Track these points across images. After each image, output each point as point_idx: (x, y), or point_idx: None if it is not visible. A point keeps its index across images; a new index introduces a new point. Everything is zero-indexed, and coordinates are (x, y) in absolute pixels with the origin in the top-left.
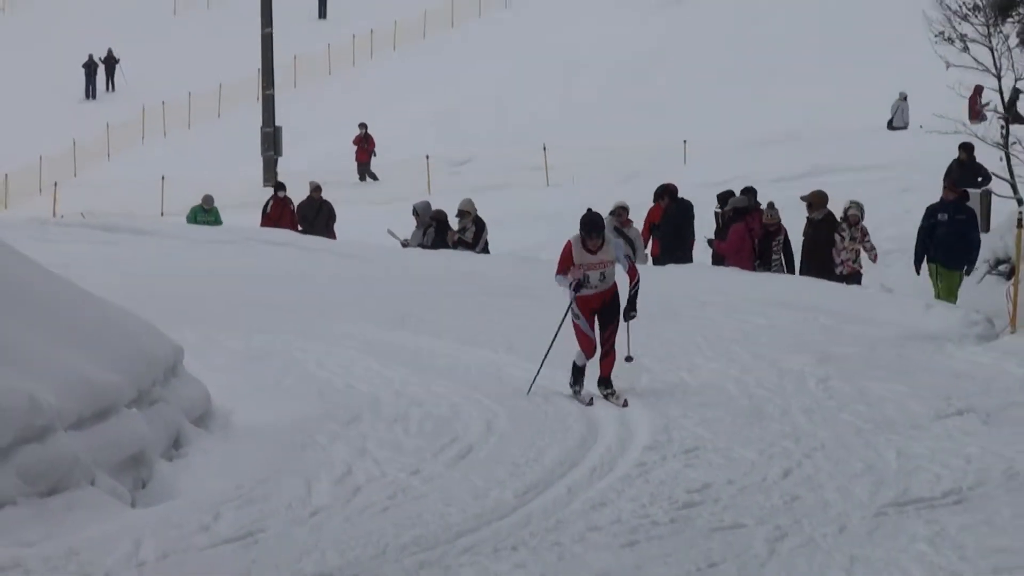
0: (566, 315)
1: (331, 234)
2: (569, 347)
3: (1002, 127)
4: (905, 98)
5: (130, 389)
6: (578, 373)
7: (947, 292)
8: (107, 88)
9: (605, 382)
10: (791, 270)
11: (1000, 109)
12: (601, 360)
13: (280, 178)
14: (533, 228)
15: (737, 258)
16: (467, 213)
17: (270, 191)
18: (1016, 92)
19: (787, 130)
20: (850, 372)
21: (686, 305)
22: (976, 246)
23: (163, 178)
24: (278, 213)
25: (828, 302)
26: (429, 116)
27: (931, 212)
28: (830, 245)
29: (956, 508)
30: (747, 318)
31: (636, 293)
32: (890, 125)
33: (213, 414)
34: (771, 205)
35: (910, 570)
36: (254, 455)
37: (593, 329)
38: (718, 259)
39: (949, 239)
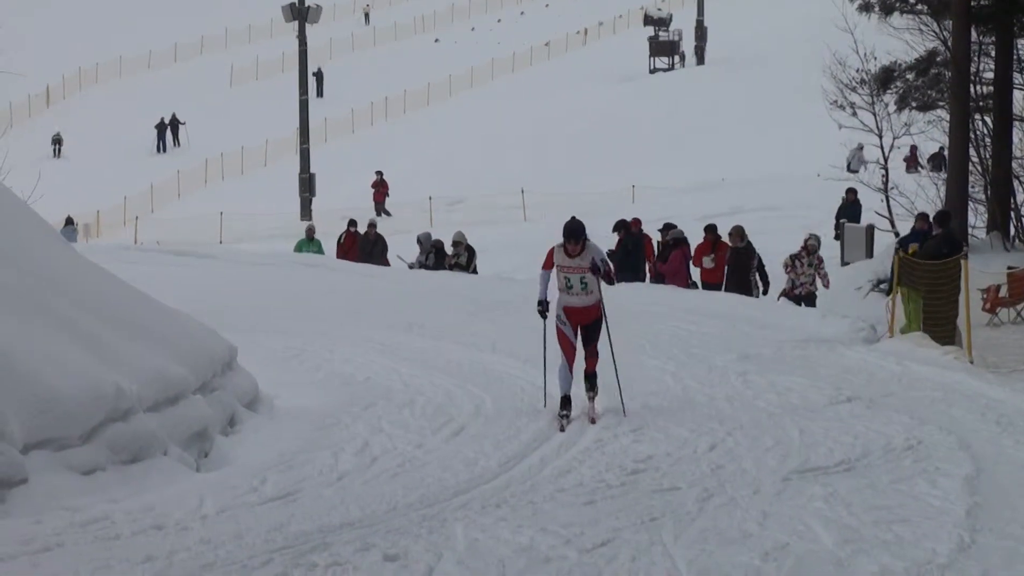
0: (546, 327)
1: (384, 262)
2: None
3: (883, 175)
4: (861, 147)
5: (195, 380)
6: (565, 402)
7: (916, 311)
8: (174, 144)
9: (590, 380)
10: (766, 287)
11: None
12: (586, 360)
13: (313, 215)
14: (513, 254)
15: (675, 278)
16: (460, 243)
17: (305, 224)
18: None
19: (711, 179)
20: (763, 368)
21: (635, 315)
22: None
23: (221, 214)
24: (349, 244)
25: (746, 312)
26: (430, 166)
27: (903, 241)
28: (748, 269)
29: (846, 474)
30: (682, 325)
31: (607, 277)
32: (848, 168)
33: (260, 400)
34: (740, 230)
35: (810, 523)
36: (292, 432)
37: (576, 338)
38: (659, 278)
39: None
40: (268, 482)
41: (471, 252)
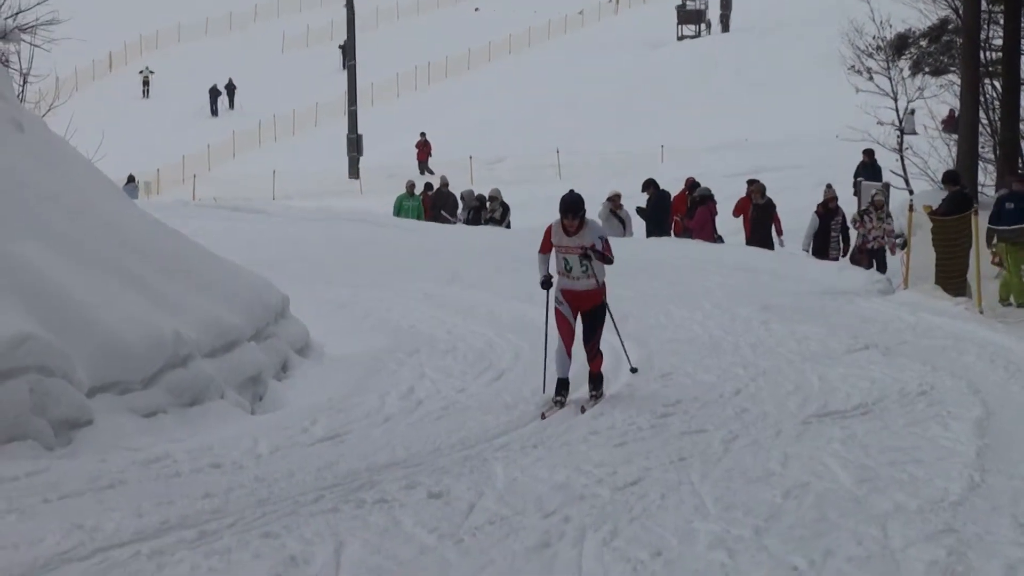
0: (548, 310)
1: (453, 215)
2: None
3: (898, 136)
4: (913, 112)
5: (250, 328)
6: (560, 386)
7: (1015, 263)
8: (229, 107)
9: (594, 381)
10: (846, 248)
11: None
12: (589, 362)
13: (361, 173)
14: (548, 211)
15: (701, 233)
16: (495, 199)
17: (355, 182)
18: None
19: (735, 139)
20: (785, 317)
21: (663, 267)
22: None
23: (274, 172)
24: (429, 203)
25: (768, 266)
26: (471, 128)
27: (1000, 201)
28: (770, 223)
29: (863, 418)
30: (708, 277)
31: (602, 257)
32: (903, 132)
33: (311, 346)
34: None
35: (829, 463)
36: (341, 377)
37: (576, 322)
38: (686, 233)
39: (1016, 220)
40: (318, 424)
41: (505, 208)
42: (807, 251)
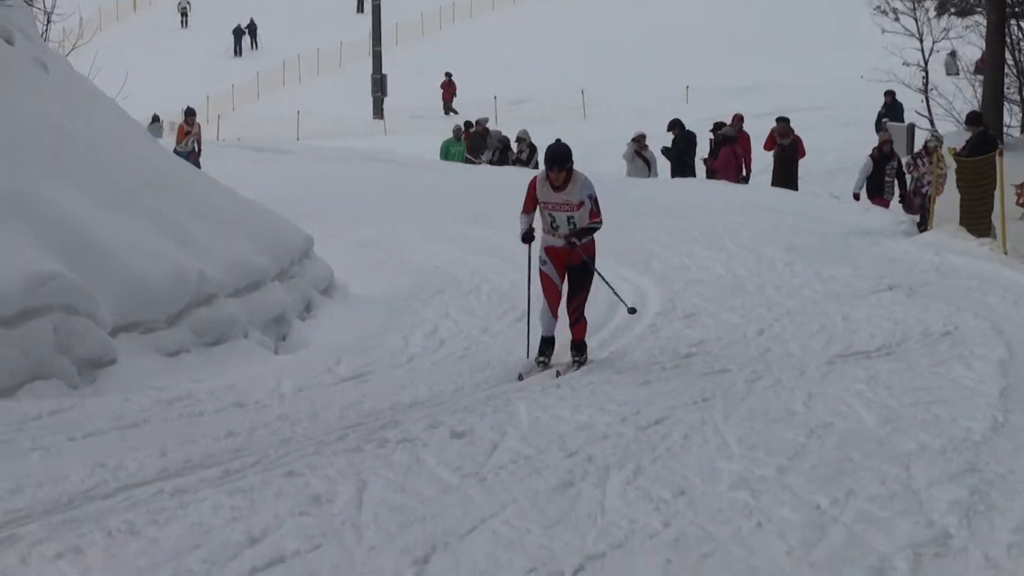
0: (531, 268)
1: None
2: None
3: (923, 77)
4: (954, 53)
5: (274, 267)
6: (544, 344)
7: None
8: (252, 47)
9: (578, 347)
10: (902, 193)
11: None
12: (571, 327)
13: (386, 113)
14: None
15: (725, 173)
16: (523, 140)
17: (379, 123)
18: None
19: (759, 81)
20: (809, 258)
21: (687, 208)
22: None
23: (298, 113)
24: (468, 143)
25: (793, 206)
26: (496, 67)
27: None
28: (794, 163)
29: (886, 358)
30: (732, 218)
31: (590, 230)
32: (946, 73)
33: (335, 286)
34: (885, 128)
35: (852, 403)
36: (365, 317)
37: (562, 280)
38: (711, 174)
39: None
40: (342, 363)
41: (532, 149)
42: (858, 194)
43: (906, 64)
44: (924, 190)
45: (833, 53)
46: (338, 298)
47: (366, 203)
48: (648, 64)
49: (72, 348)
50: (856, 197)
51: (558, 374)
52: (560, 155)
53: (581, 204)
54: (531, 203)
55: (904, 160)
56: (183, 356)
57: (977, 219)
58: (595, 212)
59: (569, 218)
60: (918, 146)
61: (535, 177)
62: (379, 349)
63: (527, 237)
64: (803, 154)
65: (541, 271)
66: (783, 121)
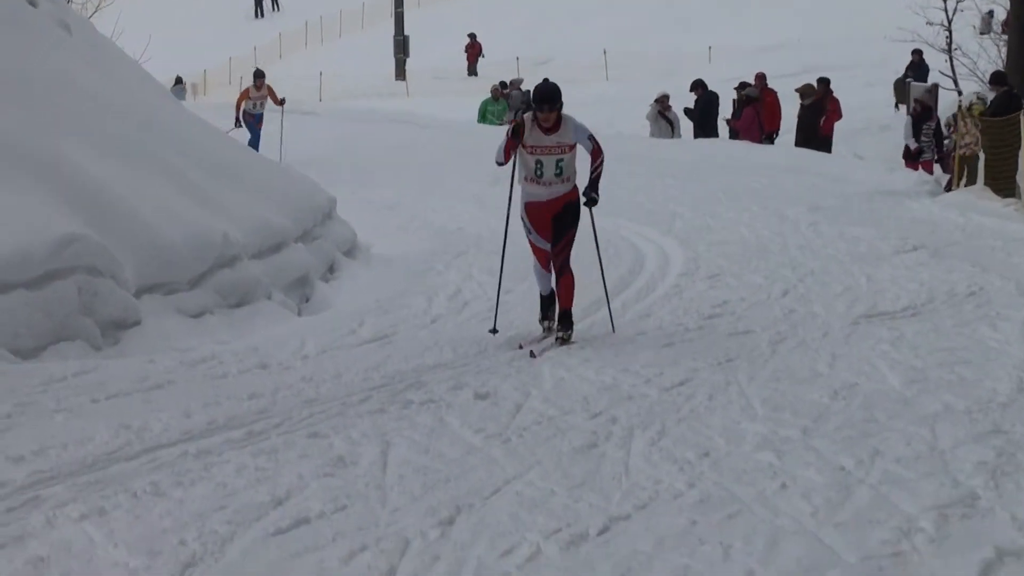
0: (508, 219)
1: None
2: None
3: (947, 37)
4: (991, 13)
5: (297, 229)
6: (544, 306)
7: None
8: (273, 8)
9: (564, 319)
10: (940, 152)
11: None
12: (556, 284)
13: (408, 74)
14: (595, 111)
15: (748, 134)
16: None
17: (402, 84)
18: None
19: (783, 40)
20: (833, 218)
21: (710, 169)
22: None
23: (321, 74)
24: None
25: (816, 167)
26: (519, 28)
27: None
28: (817, 124)
29: (911, 319)
30: (755, 178)
31: (598, 175)
32: (980, 33)
33: (358, 248)
34: (932, 88)
35: (877, 364)
36: (388, 278)
37: (549, 241)
38: (733, 134)
39: None
40: (365, 325)
41: None
42: (909, 145)
43: (930, 24)
44: (962, 151)
45: (858, 11)
46: (361, 259)
47: (389, 164)
48: (671, 22)
49: (96, 310)
50: (908, 149)
51: (532, 355)
52: (549, 94)
53: (574, 146)
54: (509, 153)
55: (944, 119)
56: (206, 318)
57: (1002, 179)
58: (597, 149)
59: (558, 161)
60: (942, 107)
61: (521, 117)
62: (402, 310)
63: (517, 121)
64: (839, 116)
65: (529, 241)
66: (823, 82)
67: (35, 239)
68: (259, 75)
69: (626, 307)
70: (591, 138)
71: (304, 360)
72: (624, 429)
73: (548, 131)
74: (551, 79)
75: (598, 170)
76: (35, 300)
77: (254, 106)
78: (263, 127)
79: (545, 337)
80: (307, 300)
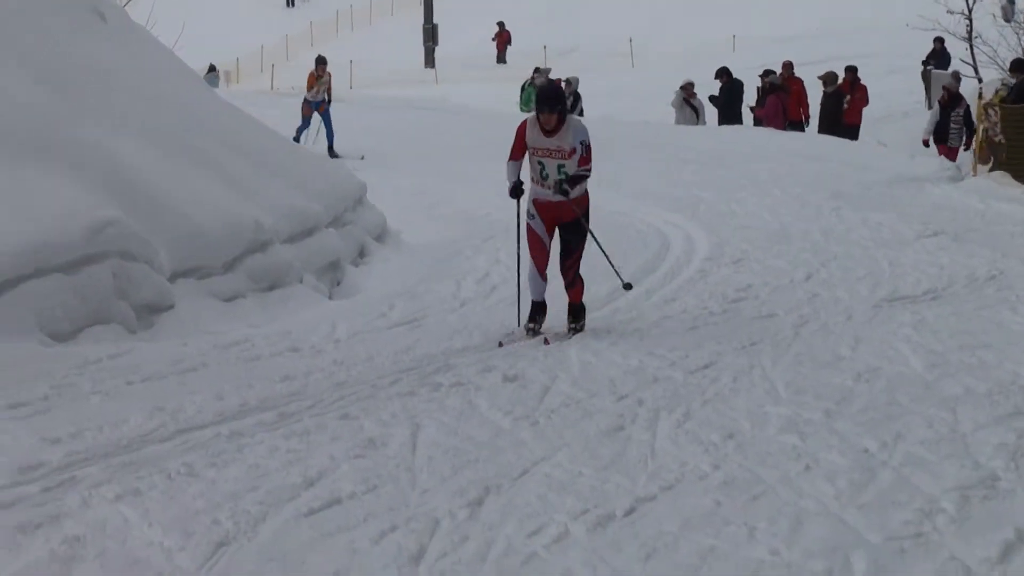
0: (520, 225)
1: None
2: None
3: (967, 25)
4: (1012, 1)
5: (328, 215)
6: (533, 312)
7: None
8: None
9: (575, 312)
10: (969, 139)
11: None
12: (567, 290)
13: (437, 62)
14: (620, 99)
15: (772, 121)
16: (570, 83)
17: (431, 72)
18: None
19: (806, 28)
20: (855, 204)
21: (734, 156)
22: None
23: (351, 61)
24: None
25: (838, 154)
26: (545, 16)
27: None
28: (839, 111)
29: (932, 303)
30: (778, 165)
31: (579, 177)
32: (1004, 19)
33: (388, 233)
34: (955, 75)
35: (899, 347)
36: (418, 263)
37: (551, 237)
38: (757, 122)
39: None
40: (396, 308)
41: (576, 96)
42: (927, 140)
43: (950, 12)
44: (998, 139)
45: (879, 1)
46: (391, 244)
47: (419, 150)
48: (695, 11)
49: (130, 293)
50: (925, 143)
51: (546, 342)
52: (552, 96)
53: (573, 151)
54: (520, 150)
55: (975, 107)
56: (239, 301)
57: (1022, 165)
58: (585, 158)
59: (560, 166)
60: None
61: (525, 120)
62: (431, 295)
63: (515, 191)
64: (866, 102)
65: (528, 225)
66: (850, 70)
67: (71, 224)
68: (322, 61)
69: (650, 292)
70: (584, 144)
71: (335, 343)
72: (650, 411)
73: (549, 133)
74: (577, 70)
75: (581, 172)
76: (71, 284)
77: (315, 93)
78: (327, 108)
79: (530, 338)
80: (338, 284)
